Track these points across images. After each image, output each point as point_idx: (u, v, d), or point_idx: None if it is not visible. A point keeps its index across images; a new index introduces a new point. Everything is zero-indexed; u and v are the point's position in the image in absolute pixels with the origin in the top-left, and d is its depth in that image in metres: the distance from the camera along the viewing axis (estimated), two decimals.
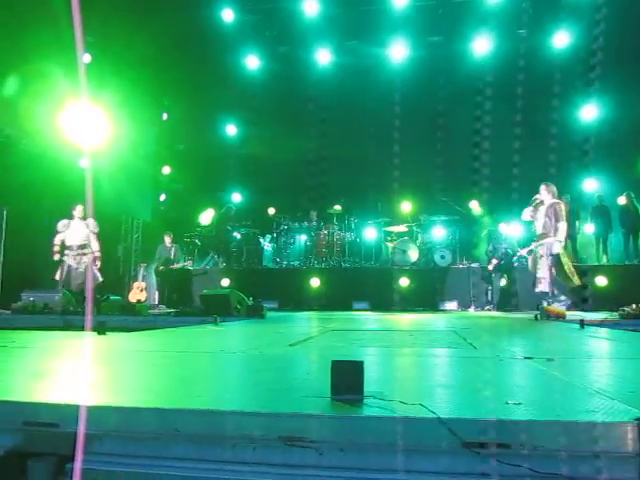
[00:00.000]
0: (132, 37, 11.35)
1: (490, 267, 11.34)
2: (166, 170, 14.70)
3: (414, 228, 13.05)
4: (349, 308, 11.47)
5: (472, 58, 13.82)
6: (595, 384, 2.21)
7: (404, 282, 11.64)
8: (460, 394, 2.09)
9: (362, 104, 13.53)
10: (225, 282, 11.93)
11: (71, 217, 10.06)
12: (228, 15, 13.80)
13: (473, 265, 12.24)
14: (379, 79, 13.82)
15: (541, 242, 8.77)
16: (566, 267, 8.69)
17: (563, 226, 8.64)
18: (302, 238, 13.50)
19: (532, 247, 9.16)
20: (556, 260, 8.65)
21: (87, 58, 11.29)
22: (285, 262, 13.35)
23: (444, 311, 11.27)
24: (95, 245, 10.13)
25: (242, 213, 14.59)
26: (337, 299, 11.72)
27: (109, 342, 4.21)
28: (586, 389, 2.12)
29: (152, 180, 14.49)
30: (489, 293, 11.46)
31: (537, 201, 8.82)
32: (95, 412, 1.81)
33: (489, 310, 11.16)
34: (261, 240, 13.72)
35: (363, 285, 11.89)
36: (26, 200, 10.16)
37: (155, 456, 1.73)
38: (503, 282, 11.31)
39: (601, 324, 6.49)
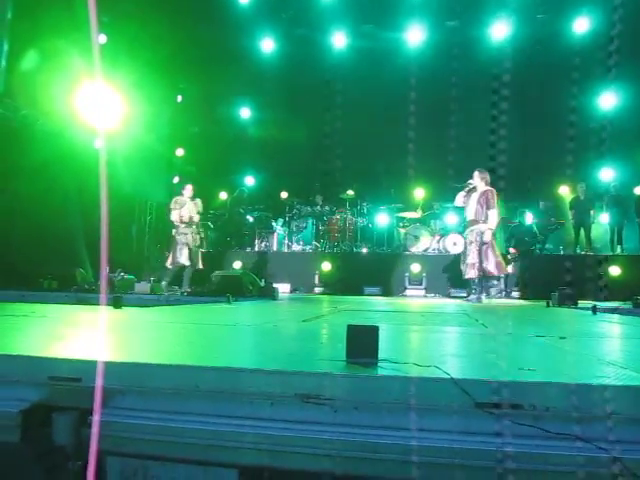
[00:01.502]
0: (147, 18, 11.34)
1: (509, 257, 11.28)
2: (180, 152, 14.72)
3: (426, 213, 13.02)
4: (360, 293, 11.51)
5: (489, 43, 13.65)
6: (607, 357, 2.23)
7: (415, 268, 11.65)
8: (473, 361, 2.12)
9: (377, 88, 13.44)
10: (237, 265, 12.02)
11: (181, 195, 9.96)
12: None
13: None
14: (395, 63, 13.70)
15: (472, 228, 8.57)
16: (497, 254, 8.63)
17: (494, 213, 8.52)
18: (314, 222, 13.53)
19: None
20: (487, 247, 8.52)
21: (102, 38, 11.30)
22: (297, 245, 13.40)
23: (455, 297, 11.28)
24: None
25: (255, 196, 14.63)
26: (349, 283, 11.75)
27: (125, 314, 4.29)
28: (598, 360, 2.14)
29: (166, 162, 14.53)
30: (502, 281, 11.42)
31: (470, 186, 8.65)
32: (117, 368, 1.87)
33: (501, 297, 11.14)
34: (273, 224, 13.77)
35: (375, 270, 11.91)
36: (43, 180, 10.25)
37: (175, 411, 1.79)
38: (516, 270, 11.28)
39: (614, 311, 6.47)
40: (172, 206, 9.85)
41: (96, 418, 1.74)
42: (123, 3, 10.80)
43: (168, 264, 9.78)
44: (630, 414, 1.55)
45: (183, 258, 9.61)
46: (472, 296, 8.55)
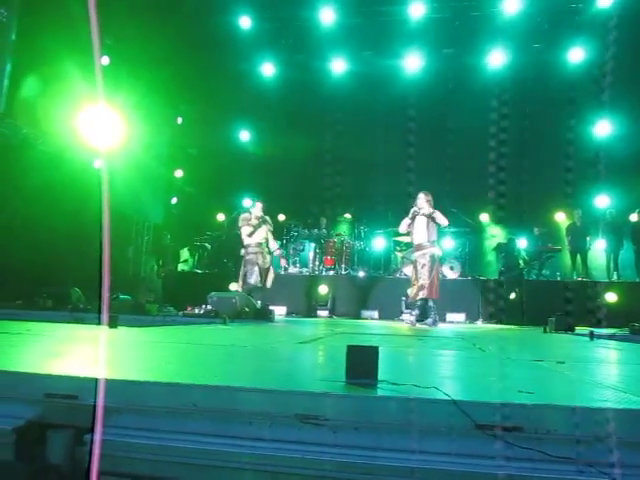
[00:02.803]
0: (149, 41, 11.50)
1: (501, 279, 11.29)
2: (179, 173, 14.80)
3: None
4: (357, 316, 11.46)
5: (486, 71, 13.85)
6: (606, 382, 2.22)
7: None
8: (472, 384, 2.11)
9: (375, 114, 13.59)
10: (233, 287, 11.96)
11: (249, 213, 9.54)
12: (245, 22, 13.94)
13: (482, 277, 12.22)
14: (393, 90, 13.86)
15: (424, 252, 8.44)
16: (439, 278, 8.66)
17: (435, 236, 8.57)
18: (311, 245, 13.53)
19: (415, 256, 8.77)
20: (437, 271, 8.52)
21: (105, 60, 11.44)
22: (294, 268, 13.37)
23: (451, 322, 11.23)
24: (273, 244, 9.79)
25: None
26: (346, 307, 11.73)
27: (121, 334, 4.26)
28: (598, 384, 2.14)
29: (164, 183, 14.59)
30: (498, 306, 11.41)
31: (416, 213, 8.53)
32: (114, 385, 1.86)
33: (497, 322, 11.11)
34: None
35: (372, 294, 11.89)
36: (42, 199, 10.25)
37: (173, 430, 1.77)
38: (512, 295, 11.27)
39: (611, 337, 6.46)
40: (241, 224, 9.42)
41: (96, 437, 1.72)
42: (126, 26, 10.95)
43: (238, 287, 9.46)
44: (631, 438, 1.54)
45: (253, 279, 9.26)
46: (429, 319, 8.41)
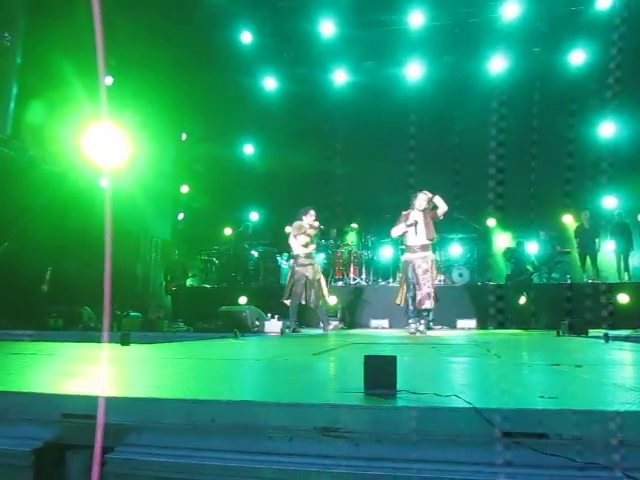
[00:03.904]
0: (153, 60, 11.62)
1: (509, 284, 11.24)
2: (184, 189, 14.87)
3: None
4: (367, 326, 11.40)
5: (488, 77, 13.88)
6: (627, 384, 2.19)
7: None
8: (492, 391, 2.08)
9: (379, 123, 13.61)
10: (242, 300, 11.96)
11: (301, 220, 8.76)
12: (246, 37, 14.07)
13: (491, 283, 12.15)
14: (395, 98, 13.91)
15: (424, 255, 7.91)
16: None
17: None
18: (319, 256, 13.51)
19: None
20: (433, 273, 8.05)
21: (109, 80, 11.56)
22: None
23: (462, 329, 11.15)
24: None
25: (259, 231, 14.68)
26: (355, 317, 11.68)
27: (134, 351, 4.25)
28: (619, 387, 2.10)
29: (171, 199, 14.66)
30: (508, 311, 11.33)
31: (413, 223, 7.90)
32: (130, 403, 1.85)
33: (508, 327, 11.02)
34: (278, 258, 13.76)
35: (380, 303, 11.82)
36: (49, 219, 10.32)
37: (193, 447, 1.75)
38: (522, 300, 11.21)
39: (626, 339, 6.40)
40: (295, 232, 8.69)
41: (115, 456, 1.71)
42: (130, 47, 11.08)
43: (285, 300, 8.81)
44: None
45: (299, 293, 8.59)
46: (437, 326, 8.14)
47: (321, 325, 8.94)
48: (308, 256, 8.71)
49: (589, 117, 13.24)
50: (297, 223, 8.76)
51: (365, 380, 1.92)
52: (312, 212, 8.79)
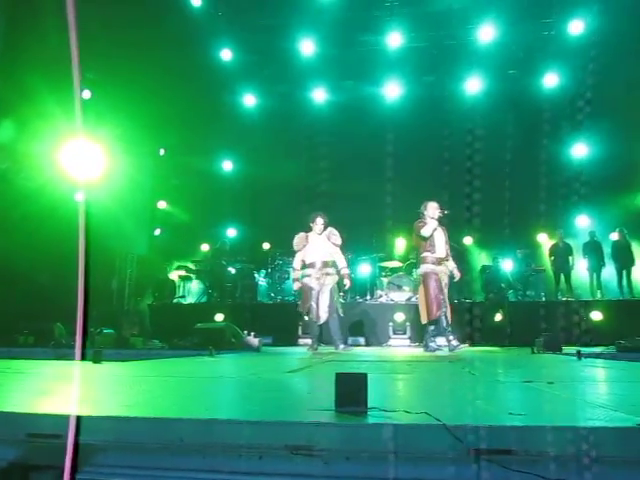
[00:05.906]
0: (131, 74, 11.59)
1: (485, 302, 11.35)
2: (162, 204, 14.77)
3: (407, 262, 13.08)
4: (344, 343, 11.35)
5: (465, 97, 14.16)
6: (596, 401, 2.22)
7: (399, 317, 11.59)
8: (463, 408, 2.10)
9: (357, 141, 13.74)
10: (219, 317, 11.84)
11: (308, 231, 8.17)
12: (226, 55, 14.16)
13: (467, 300, 12.24)
14: (374, 117, 14.08)
15: (444, 269, 7.72)
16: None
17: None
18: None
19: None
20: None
21: (87, 94, 11.49)
22: (280, 297, 13.29)
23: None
24: (342, 261, 8.21)
25: (237, 248, 14.60)
26: (330, 334, 11.63)
27: (106, 369, 4.17)
28: (588, 404, 2.13)
29: (148, 214, 14.55)
30: (483, 328, 11.41)
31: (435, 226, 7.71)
32: (98, 423, 1.81)
33: (483, 345, 11.09)
34: (256, 275, 13.70)
35: (358, 320, 11.81)
36: (21, 234, 10.13)
37: (161, 467, 1.72)
38: (498, 317, 11.31)
39: (598, 356, 6.49)
40: (296, 247, 8.18)
41: (82, 477, 1.67)
42: (109, 61, 11.04)
43: (305, 316, 8.40)
44: (624, 456, 1.53)
45: (307, 306, 8.06)
46: (460, 343, 8.06)
47: (337, 343, 8.20)
48: (325, 265, 8.08)
49: (562, 138, 13.56)
50: (299, 234, 8.31)
51: (336, 398, 1.92)
52: (319, 220, 8.22)
